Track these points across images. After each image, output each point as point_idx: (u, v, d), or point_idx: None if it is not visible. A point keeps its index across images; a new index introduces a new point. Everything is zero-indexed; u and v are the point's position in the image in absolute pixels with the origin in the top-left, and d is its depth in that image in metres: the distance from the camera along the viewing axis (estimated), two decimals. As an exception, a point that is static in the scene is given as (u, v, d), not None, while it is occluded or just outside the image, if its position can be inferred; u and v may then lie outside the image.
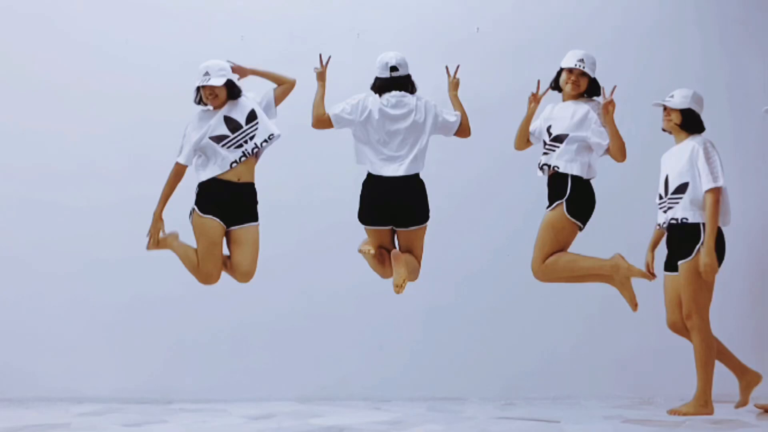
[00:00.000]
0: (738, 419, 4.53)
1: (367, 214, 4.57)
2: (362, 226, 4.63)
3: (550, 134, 4.62)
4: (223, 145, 4.57)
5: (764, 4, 5.50)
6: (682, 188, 4.62)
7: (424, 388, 5.26)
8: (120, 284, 5.35)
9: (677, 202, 4.63)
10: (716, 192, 4.51)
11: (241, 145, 4.59)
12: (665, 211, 4.70)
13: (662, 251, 4.68)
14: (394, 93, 4.59)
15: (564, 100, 4.76)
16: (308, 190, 5.37)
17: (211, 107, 4.66)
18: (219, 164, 4.56)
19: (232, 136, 4.58)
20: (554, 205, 4.51)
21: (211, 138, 4.57)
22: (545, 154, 4.65)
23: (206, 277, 4.60)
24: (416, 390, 5.23)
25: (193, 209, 4.57)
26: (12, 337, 5.34)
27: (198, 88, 4.66)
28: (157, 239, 4.62)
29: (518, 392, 5.22)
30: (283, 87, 4.82)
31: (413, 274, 4.60)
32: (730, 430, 4.28)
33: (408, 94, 4.61)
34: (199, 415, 4.82)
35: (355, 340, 5.26)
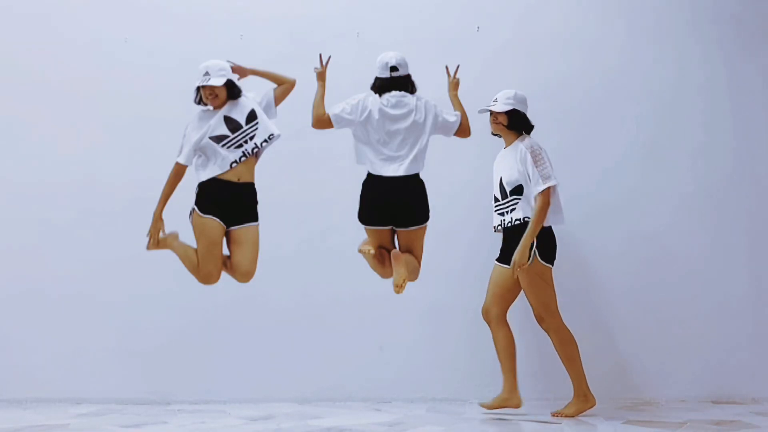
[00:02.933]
0: (738, 420, 4.53)
1: (367, 214, 4.57)
2: (362, 226, 4.62)
3: (503, 188, 4.75)
4: (223, 145, 4.56)
5: (763, 4, 5.49)
6: (518, 190, 4.71)
7: (424, 389, 5.24)
8: (119, 284, 5.33)
9: (517, 203, 4.70)
10: (546, 193, 4.61)
11: (241, 145, 4.58)
12: (502, 214, 4.80)
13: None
14: (394, 93, 4.59)
15: (505, 146, 4.85)
16: (308, 190, 5.35)
17: (211, 107, 4.65)
18: (219, 164, 4.55)
19: (232, 136, 4.58)
20: (530, 260, 4.61)
21: (211, 138, 4.56)
22: (501, 214, 4.77)
23: (206, 277, 4.59)
24: (416, 391, 5.22)
25: (193, 209, 4.56)
26: (11, 338, 5.32)
27: (198, 88, 4.66)
28: (157, 239, 4.61)
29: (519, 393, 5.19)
30: (283, 87, 4.81)
31: (413, 274, 4.59)
32: (731, 430, 4.27)
33: (408, 94, 4.62)
34: (198, 416, 4.81)
35: (355, 340, 5.25)
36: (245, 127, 4.61)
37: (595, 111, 5.42)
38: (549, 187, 4.61)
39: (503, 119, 4.78)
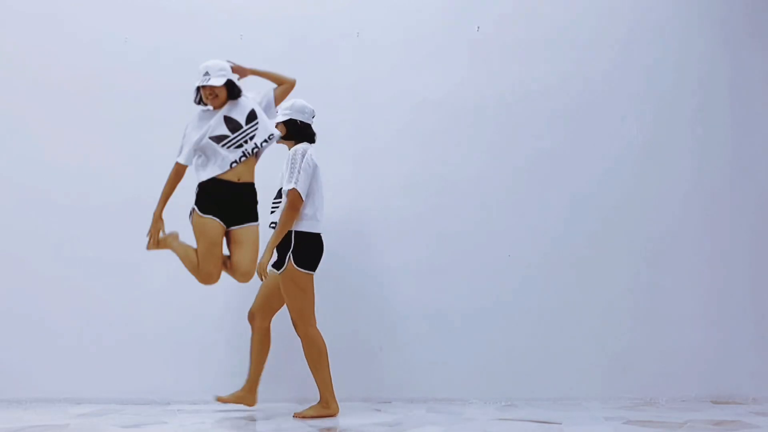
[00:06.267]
0: (739, 419, 4.52)
1: (315, 263, 4.71)
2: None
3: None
4: (223, 145, 4.56)
5: (763, 3, 5.50)
6: (280, 193, 4.77)
7: (424, 389, 5.24)
8: (119, 284, 5.33)
9: (277, 207, 4.77)
10: (291, 196, 4.58)
11: (241, 145, 4.59)
12: (272, 213, 4.85)
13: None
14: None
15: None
16: (308, 190, 5.35)
17: (210, 107, 4.65)
18: (219, 164, 4.56)
19: (232, 136, 4.58)
20: (284, 267, 4.60)
21: (211, 138, 4.57)
22: (272, 212, 4.80)
23: (206, 277, 4.59)
24: (416, 391, 5.22)
25: (193, 209, 4.56)
26: (11, 338, 5.32)
27: (198, 88, 4.66)
28: (158, 239, 4.61)
29: (519, 393, 5.20)
30: (283, 87, 4.82)
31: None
32: (731, 430, 4.27)
33: None
34: (197, 417, 4.81)
35: (355, 340, 5.24)
36: (245, 127, 4.61)
37: (595, 111, 5.41)
38: (293, 190, 4.56)
39: (282, 129, 4.77)
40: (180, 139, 4.65)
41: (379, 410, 4.96)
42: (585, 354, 5.23)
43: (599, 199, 5.34)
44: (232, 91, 4.66)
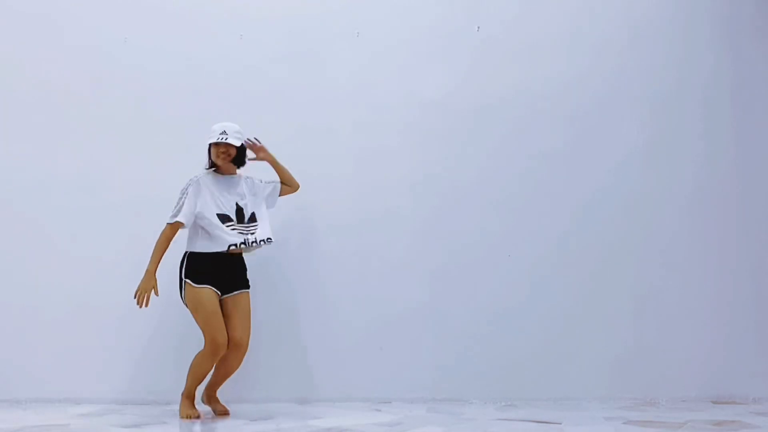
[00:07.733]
0: (739, 419, 4.52)
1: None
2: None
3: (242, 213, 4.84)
4: (227, 226, 4.62)
5: (764, 4, 5.50)
6: (253, 217, 4.79)
7: (425, 389, 5.24)
8: (119, 285, 5.31)
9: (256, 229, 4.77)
10: None
11: (243, 233, 4.66)
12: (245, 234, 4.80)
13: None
14: None
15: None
16: (308, 190, 5.34)
17: (212, 171, 4.71)
18: (218, 243, 4.63)
19: (237, 225, 4.66)
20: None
21: (219, 215, 4.62)
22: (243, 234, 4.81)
23: (216, 348, 4.61)
24: (416, 391, 5.22)
25: (185, 282, 4.60)
26: (11, 338, 5.32)
27: (210, 146, 4.69)
28: (149, 298, 4.60)
29: (519, 393, 5.20)
30: (287, 188, 4.95)
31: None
32: (731, 430, 4.27)
33: None
34: (198, 416, 4.81)
35: (355, 340, 5.24)
36: (247, 224, 4.71)
37: (596, 111, 5.41)
38: None
39: (233, 151, 4.77)
40: (180, 197, 4.63)
41: (379, 410, 4.96)
42: (585, 354, 5.23)
43: (600, 201, 5.35)
44: (240, 157, 4.74)
